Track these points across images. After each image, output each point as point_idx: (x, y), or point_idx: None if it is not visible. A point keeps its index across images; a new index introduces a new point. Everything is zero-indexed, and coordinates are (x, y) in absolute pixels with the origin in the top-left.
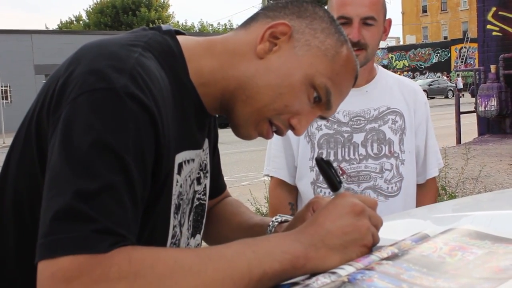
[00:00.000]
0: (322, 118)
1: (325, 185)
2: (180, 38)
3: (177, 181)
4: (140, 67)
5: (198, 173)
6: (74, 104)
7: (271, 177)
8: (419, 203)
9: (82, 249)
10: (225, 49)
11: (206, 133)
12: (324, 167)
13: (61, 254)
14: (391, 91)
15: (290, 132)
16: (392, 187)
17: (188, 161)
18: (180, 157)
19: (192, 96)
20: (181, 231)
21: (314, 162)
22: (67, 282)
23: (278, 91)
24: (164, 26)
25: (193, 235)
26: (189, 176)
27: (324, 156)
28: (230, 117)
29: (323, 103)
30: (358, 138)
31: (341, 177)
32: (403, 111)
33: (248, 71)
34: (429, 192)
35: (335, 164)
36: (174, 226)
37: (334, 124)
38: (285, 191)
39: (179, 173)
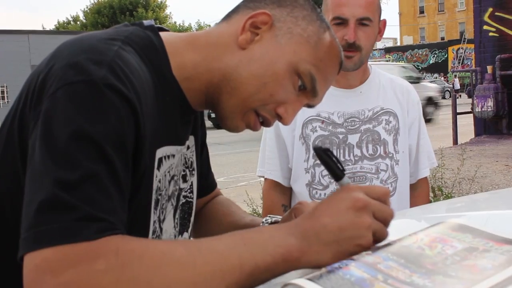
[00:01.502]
0: (309, 106)
1: (321, 187)
2: (162, 33)
3: (156, 176)
4: (120, 60)
5: (184, 171)
6: (53, 98)
7: (265, 178)
8: (412, 203)
9: (66, 238)
10: (207, 42)
11: (190, 130)
12: (323, 157)
13: (45, 245)
14: (385, 91)
15: (284, 134)
16: (388, 188)
17: (168, 156)
18: (160, 152)
19: (175, 91)
20: (160, 227)
21: (310, 163)
22: (52, 273)
23: (263, 81)
24: (146, 22)
25: (180, 233)
26: (168, 172)
27: None
28: (216, 110)
29: (308, 90)
30: (353, 139)
31: None
32: (397, 111)
33: (231, 62)
34: (421, 192)
35: None
36: (154, 222)
37: (329, 126)
38: (278, 193)
39: (158, 168)
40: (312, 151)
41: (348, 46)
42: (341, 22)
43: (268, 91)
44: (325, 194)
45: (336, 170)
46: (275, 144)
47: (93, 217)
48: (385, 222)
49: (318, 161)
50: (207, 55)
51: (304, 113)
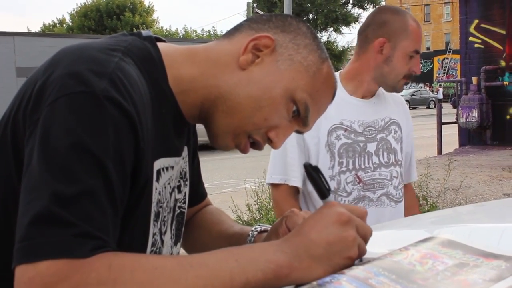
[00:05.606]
0: (299, 132)
1: (345, 194)
2: (160, 45)
3: (156, 188)
4: (120, 72)
5: (179, 181)
6: (52, 107)
7: (280, 185)
8: (407, 204)
9: (61, 253)
10: (207, 57)
11: (185, 141)
12: (313, 174)
13: (40, 258)
14: (389, 103)
15: (310, 144)
16: (399, 193)
17: (167, 168)
18: (158, 164)
19: (171, 103)
20: (162, 240)
21: (335, 170)
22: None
23: (259, 104)
24: (144, 32)
25: (175, 243)
26: (169, 184)
27: (344, 165)
28: (208, 127)
29: (301, 118)
30: (371, 147)
31: (358, 185)
32: (400, 122)
33: (230, 81)
34: (411, 192)
35: (353, 173)
36: (154, 234)
37: (352, 134)
38: (298, 200)
39: (157, 180)
40: (337, 159)
41: (409, 77)
42: (415, 54)
43: (263, 115)
44: (348, 200)
45: (323, 189)
46: (296, 151)
47: (89, 234)
48: (365, 238)
49: (343, 168)
50: (205, 71)
51: (328, 122)
